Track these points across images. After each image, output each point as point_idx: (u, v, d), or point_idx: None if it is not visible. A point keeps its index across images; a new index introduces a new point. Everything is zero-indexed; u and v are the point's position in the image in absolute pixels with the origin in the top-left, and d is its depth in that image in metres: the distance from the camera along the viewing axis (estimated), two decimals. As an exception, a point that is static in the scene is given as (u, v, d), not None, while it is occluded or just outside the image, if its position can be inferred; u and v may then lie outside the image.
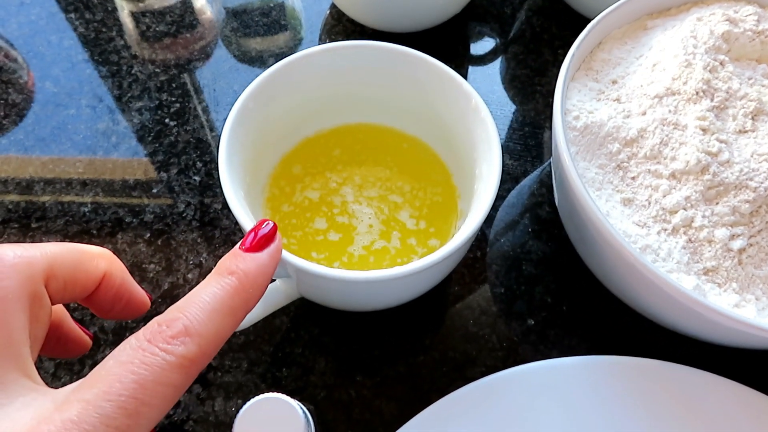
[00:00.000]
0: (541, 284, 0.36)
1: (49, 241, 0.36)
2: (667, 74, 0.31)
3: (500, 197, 0.39)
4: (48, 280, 0.21)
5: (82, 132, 0.41)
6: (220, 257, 0.36)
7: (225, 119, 0.29)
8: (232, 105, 0.30)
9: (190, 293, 0.20)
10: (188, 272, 0.36)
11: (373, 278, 0.26)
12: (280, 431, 0.21)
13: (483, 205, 0.27)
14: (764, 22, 0.34)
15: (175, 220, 0.37)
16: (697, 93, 0.31)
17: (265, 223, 0.23)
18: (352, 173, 0.35)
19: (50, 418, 0.17)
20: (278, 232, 0.23)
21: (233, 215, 0.27)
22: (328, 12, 0.47)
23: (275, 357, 0.33)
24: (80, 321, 0.34)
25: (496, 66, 0.45)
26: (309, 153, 0.35)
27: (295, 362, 0.33)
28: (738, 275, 0.28)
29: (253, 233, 0.23)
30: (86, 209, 0.37)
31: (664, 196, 0.29)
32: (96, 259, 0.23)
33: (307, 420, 0.22)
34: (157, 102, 0.42)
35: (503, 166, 0.41)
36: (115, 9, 0.46)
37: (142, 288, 0.26)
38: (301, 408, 0.22)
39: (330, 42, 0.45)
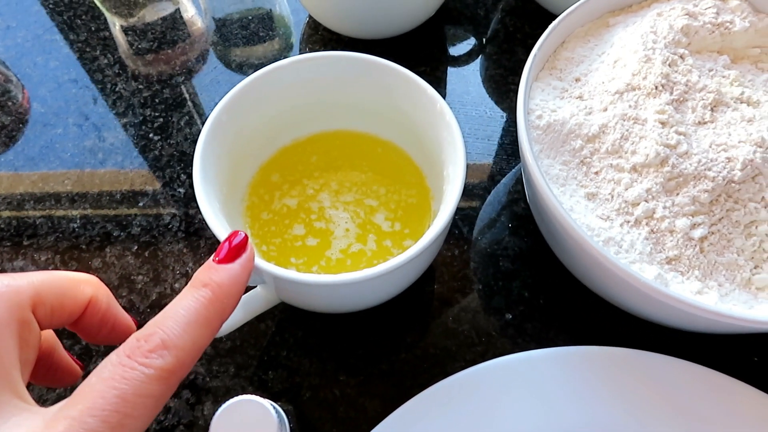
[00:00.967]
0: (518, 279, 0.37)
1: (40, 258, 0.37)
2: (628, 70, 0.32)
3: (479, 196, 0.40)
4: (35, 307, 0.22)
5: (69, 150, 0.42)
6: (205, 266, 0.37)
7: (202, 133, 0.31)
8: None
9: (166, 307, 0.21)
10: (175, 282, 0.37)
11: (347, 280, 0.27)
12: (254, 431, 0.22)
13: (449, 206, 0.28)
14: (723, 14, 0.35)
15: (162, 231, 0.38)
16: (656, 87, 0.31)
17: (237, 235, 0.24)
18: (329, 179, 0.36)
19: None
20: (250, 242, 0.24)
21: (209, 227, 0.28)
22: (305, 22, 0.48)
23: (261, 360, 0.35)
24: (72, 333, 0.35)
25: (472, 67, 0.46)
26: (286, 161, 0.36)
27: (281, 365, 0.34)
28: (700, 263, 0.29)
29: (225, 244, 0.24)
30: (75, 225, 0.39)
31: (626, 189, 0.30)
32: (82, 285, 0.24)
33: (281, 421, 0.23)
34: (141, 117, 0.43)
35: (481, 165, 0.42)
36: (99, 28, 0.47)
37: (129, 313, 0.27)
38: (275, 408, 0.23)
39: (309, 51, 0.47)
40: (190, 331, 0.20)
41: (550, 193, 0.29)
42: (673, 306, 0.27)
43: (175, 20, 0.48)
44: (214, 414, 0.23)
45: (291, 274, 0.27)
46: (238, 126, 0.32)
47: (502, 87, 0.45)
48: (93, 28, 0.47)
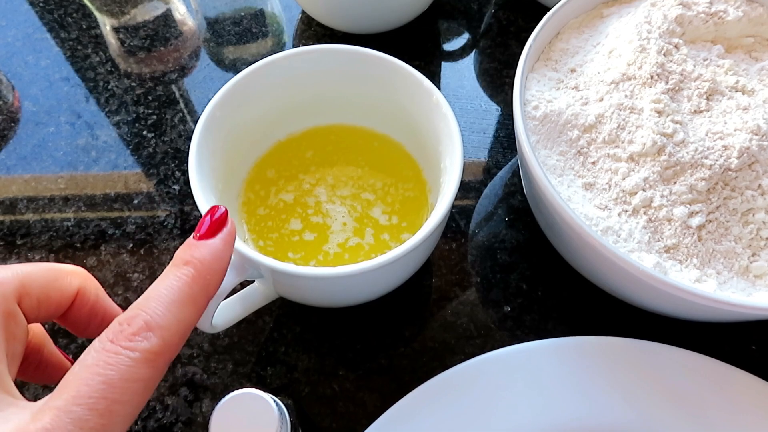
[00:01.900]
0: (516, 272, 0.37)
1: (34, 257, 0.37)
2: (623, 60, 0.32)
3: (475, 189, 0.40)
4: (21, 299, 0.21)
5: (62, 149, 0.41)
6: (201, 263, 0.37)
7: (195, 128, 0.30)
8: (204, 114, 0.31)
9: (148, 289, 0.21)
10: (171, 279, 0.36)
11: (345, 273, 0.27)
12: (255, 424, 0.22)
13: (446, 198, 0.28)
14: (717, 4, 0.35)
15: (157, 229, 0.38)
16: (651, 77, 0.31)
17: (217, 209, 0.23)
18: (325, 174, 0.36)
19: (26, 429, 0.17)
20: (230, 217, 0.23)
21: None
22: (299, 18, 0.48)
23: (260, 357, 0.34)
24: (67, 332, 0.35)
25: (466, 61, 0.46)
26: (282, 156, 0.36)
27: (279, 360, 0.34)
28: (698, 251, 0.29)
29: (206, 219, 0.23)
30: (69, 224, 0.38)
31: (624, 179, 0.30)
32: (69, 277, 0.23)
33: (282, 414, 0.23)
34: (134, 115, 0.43)
35: (477, 158, 0.42)
36: (90, 27, 0.47)
37: (119, 304, 0.26)
38: (275, 402, 0.23)
39: (302, 46, 0.46)
40: (174, 310, 0.20)
41: (548, 184, 0.29)
42: (673, 294, 0.27)
43: (167, 19, 0.47)
44: (212, 411, 0.23)
45: (289, 267, 0.27)
46: (232, 121, 0.32)
47: (497, 80, 0.45)
48: (84, 26, 0.47)
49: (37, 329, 0.25)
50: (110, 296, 0.36)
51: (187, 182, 0.40)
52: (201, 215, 0.38)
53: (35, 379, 0.26)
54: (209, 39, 0.46)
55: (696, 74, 0.32)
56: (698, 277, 0.29)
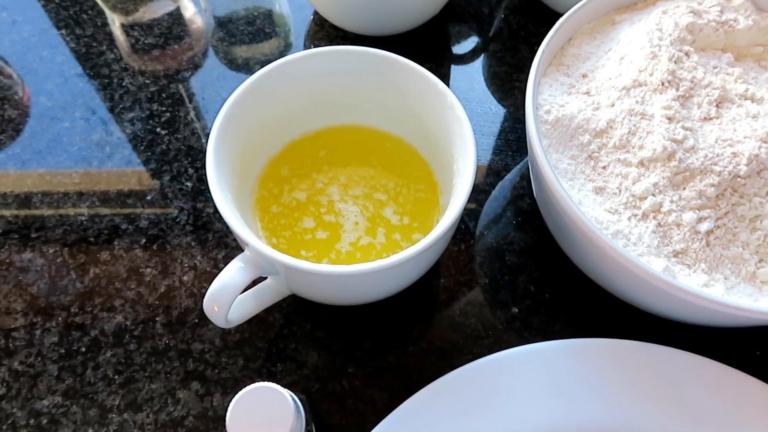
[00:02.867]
0: (523, 273, 0.37)
1: (48, 251, 0.37)
2: (634, 66, 0.33)
3: (484, 192, 0.41)
4: None
5: (77, 144, 0.42)
6: (215, 259, 0.37)
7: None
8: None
9: None
10: (183, 275, 0.37)
11: (358, 271, 0.27)
12: (271, 417, 0.22)
13: (459, 199, 0.29)
14: (727, 12, 0.35)
15: (170, 225, 0.39)
16: (662, 83, 0.32)
17: None
18: (338, 173, 0.36)
19: None
20: None
21: (224, 219, 0.29)
22: (311, 18, 0.48)
23: (270, 353, 0.35)
24: (81, 325, 0.35)
25: (476, 64, 0.47)
26: (296, 155, 0.37)
27: (289, 357, 0.35)
28: (706, 256, 0.30)
29: None
30: (83, 218, 0.39)
31: (634, 184, 0.31)
32: None
33: (297, 407, 0.24)
34: (148, 112, 0.43)
35: (486, 161, 0.42)
36: (104, 23, 0.48)
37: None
38: (291, 396, 0.24)
39: (315, 47, 0.47)
40: None
41: (560, 187, 0.29)
42: (681, 298, 0.28)
43: (176, 18, 0.48)
44: (223, 405, 0.23)
45: (303, 264, 0.27)
46: (249, 119, 0.33)
47: (507, 84, 0.45)
48: (99, 23, 0.48)
49: None
50: (123, 290, 0.36)
51: (199, 179, 0.40)
52: (213, 212, 0.39)
53: None
54: (222, 38, 0.47)
55: (706, 82, 0.33)
56: (706, 281, 0.29)
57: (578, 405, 0.30)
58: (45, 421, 0.33)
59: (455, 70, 0.47)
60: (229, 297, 0.28)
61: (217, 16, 0.48)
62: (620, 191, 0.31)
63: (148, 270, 0.37)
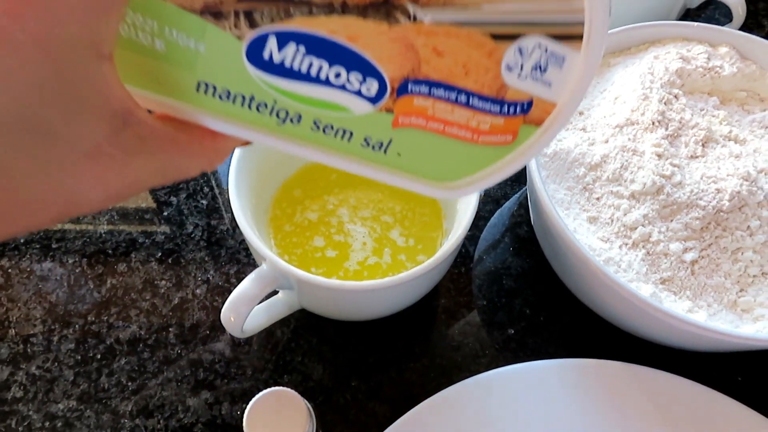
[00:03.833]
0: (520, 297, 0.39)
1: (68, 261, 0.39)
2: (627, 106, 0.35)
3: (483, 218, 0.43)
4: None
5: (97, 160, 0.44)
6: (227, 274, 0.39)
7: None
8: (240, 135, 0.33)
9: None
10: (197, 288, 0.39)
11: (367, 287, 0.29)
12: (286, 418, 0.24)
13: (463, 223, 0.31)
14: (714, 59, 0.38)
15: (185, 240, 0.41)
16: (653, 123, 0.34)
17: None
18: (348, 196, 0.38)
19: None
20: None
21: (241, 234, 0.31)
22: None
23: (277, 365, 0.36)
24: (97, 333, 0.37)
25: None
26: (308, 178, 0.39)
27: (296, 369, 0.36)
28: (691, 284, 0.32)
29: None
30: (102, 230, 0.41)
31: (625, 214, 0.33)
32: None
33: (310, 411, 0.25)
34: (166, 132, 0.45)
35: (486, 190, 0.44)
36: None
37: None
38: (305, 401, 0.25)
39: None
40: None
41: (557, 215, 0.31)
42: (666, 322, 0.30)
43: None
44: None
45: (315, 278, 0.29)
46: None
47: (507, 118, 0.48)
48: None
49: None
50: (138, 301, 0.38)
51: (214, 197, 0.42)
52: (227, 228, 0.41)
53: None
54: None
55: (693, 123, 0.35)
56: (690, 307, 0.31)
57: (569, 421, 0.32)
58: (60, 424, 0.34)
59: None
60: (246, 308, 0.30)
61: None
62: (612, 221, 0.33)
63: (163, 282, 0.39)
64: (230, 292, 0.30)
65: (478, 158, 0.19)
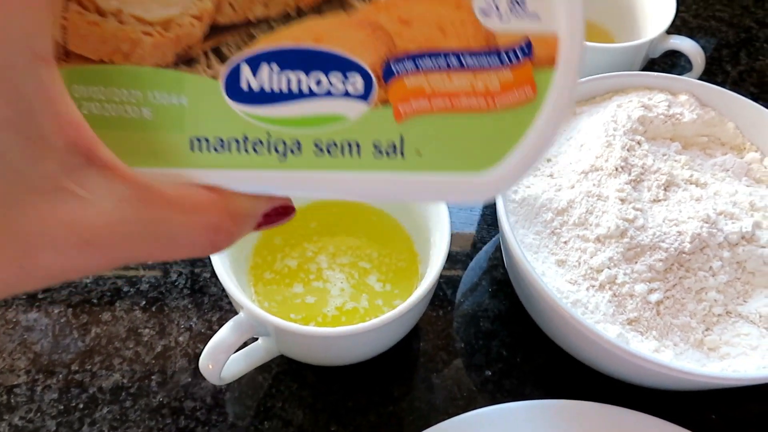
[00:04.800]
0: (497, 338, 0.40)
1: (53, 311, 0.40)
2: (592, 153, 0.37)
3: (461, 261, 0.44)
4: None
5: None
6: (209, 321, 0.40)
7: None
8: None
9: None
10: (179, 335, 0.39)
11: (342, 333, 0.30)
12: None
13: (434, 269, 0.32)
14: (674, 107, 0.40)
15: (168, 288, 0.41)
16: (616, 169, 0.36)
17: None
18: (327, 243, 0.39)
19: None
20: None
21: (221, 284, 0.32)
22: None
23: (258, 411, 0.37)
24: (80, 382, 0.37)
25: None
26: (288, 226, 0.40)
27: (276, 415, 0.37)
28: (657, 324, 0.33)
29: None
30: (88, 280, 0.42)
31: (591, 257, 0.34)
32: None
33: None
34: (153, 183, 0.47)
35: (464, 233, 0.46)
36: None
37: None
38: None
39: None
40: None
41: (525, 260, 0.32)
42: (633, 362, 0.31)
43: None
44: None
45: (292, 326, 0.30)
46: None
47: (484, 163, 0.49)
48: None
49: None
50: (121, 349, 0.39)
51: (198, 246, 0.43)
52: (210, 276, 0.42)
53: None
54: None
55: (655, 168, 0.37)
56: (657, 347, 0.32)
57: (544, 463, 0.33)
58: (41, 474, 0.35)
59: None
60: (224, 355, 0.30)
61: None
62: (580, 264, 0.34)
63: (147, 330, 0.40)
64: (211, 339, 0.31)
65: (508, 128, 0.17)
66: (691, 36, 0.47)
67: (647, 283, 0.33)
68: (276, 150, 0.17)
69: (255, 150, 0.17)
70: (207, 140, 0.17)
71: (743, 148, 0.40)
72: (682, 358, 0.32)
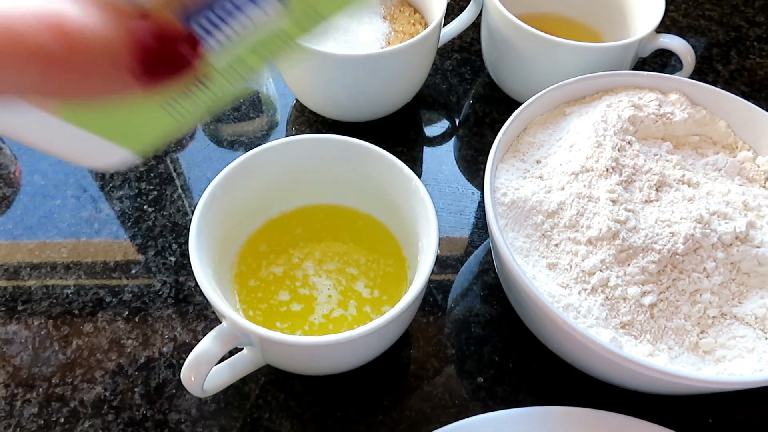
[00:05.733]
0: (488, 344, 0.39)
1: (33, 323, 0.39)
2: (582, 154, 0.36)
3: (452, 266, 0.43)
4: None
5: (67, 220, 0.44)
6: (194, 331, 0.39)
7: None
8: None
9: None
10: (163, 346, 0.38)
11: (328, 342, 0.29)
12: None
13: (422, 275, 0.31)
14: (665, 106, 0.39)
15: (152, 298, 0.40)
16: (607, 169, 0.35)
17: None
18: (313, 249, 0.39)
19: None
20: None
21: (203, 292, 0.31)
22: (293, 104, 0.52)
23: (244, 422, 0.36)
24: (61, 396, 0.36)
25: (445, 147, 0.50)
26: (273, 232, 0.39)
27: (263, 426, 0.36)
28: (651, 327, 0.32)
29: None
30: (69, 291, 0.41)
31: (583, 260, 0.33)
32: None
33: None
34: (136, 190, 0.46)
35: (454, 237, 0.45)
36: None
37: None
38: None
39: (295, 131, 0.50)
40: None
41: (515, 264, 0.32)
42: (627, 367, 0.30)
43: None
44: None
45: (277, 335, 0.29)
46: (230, 200, 0.35)
47: (473, 166, 0.49)
48: (94, 108, 0.51)
49: None
50: (103, 361, 0.38)
51: (182, 254, 0.43)
52: (194, 285, 0.41)
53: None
54: (208, 121, 0.50)
55: (647, 168, 0.36)
56: (651, 351, 0.31)
57: (538, 472, 0.32)
58: (20, 492, 0.33)
59: (426, 152, 0.50)
60: (206, 367, 0.29)
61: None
62: (571, 267, 0.33)
63: (129, 341, 0.39)
64: (196, 350, 0.30)
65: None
66: (680, 35, 0.46)
67: (640, 286, 0.33)
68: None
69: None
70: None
71: (735, 146, 0.40)
72: (677, 362, 0.32)
